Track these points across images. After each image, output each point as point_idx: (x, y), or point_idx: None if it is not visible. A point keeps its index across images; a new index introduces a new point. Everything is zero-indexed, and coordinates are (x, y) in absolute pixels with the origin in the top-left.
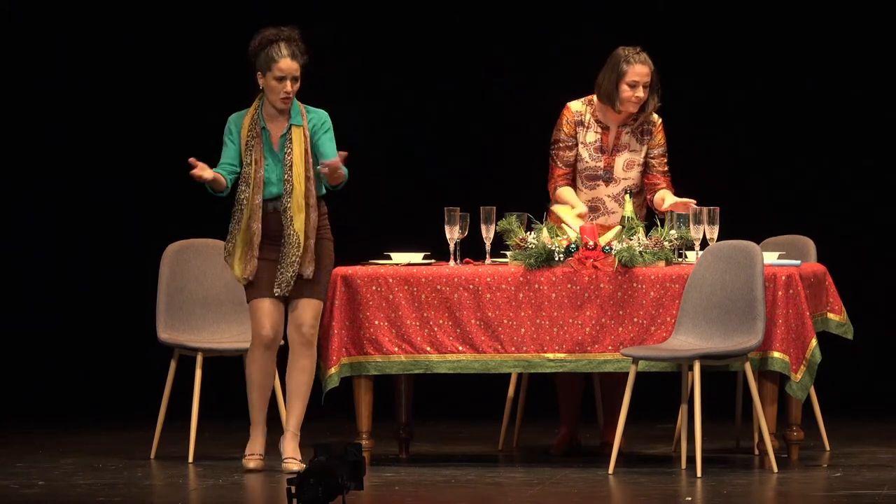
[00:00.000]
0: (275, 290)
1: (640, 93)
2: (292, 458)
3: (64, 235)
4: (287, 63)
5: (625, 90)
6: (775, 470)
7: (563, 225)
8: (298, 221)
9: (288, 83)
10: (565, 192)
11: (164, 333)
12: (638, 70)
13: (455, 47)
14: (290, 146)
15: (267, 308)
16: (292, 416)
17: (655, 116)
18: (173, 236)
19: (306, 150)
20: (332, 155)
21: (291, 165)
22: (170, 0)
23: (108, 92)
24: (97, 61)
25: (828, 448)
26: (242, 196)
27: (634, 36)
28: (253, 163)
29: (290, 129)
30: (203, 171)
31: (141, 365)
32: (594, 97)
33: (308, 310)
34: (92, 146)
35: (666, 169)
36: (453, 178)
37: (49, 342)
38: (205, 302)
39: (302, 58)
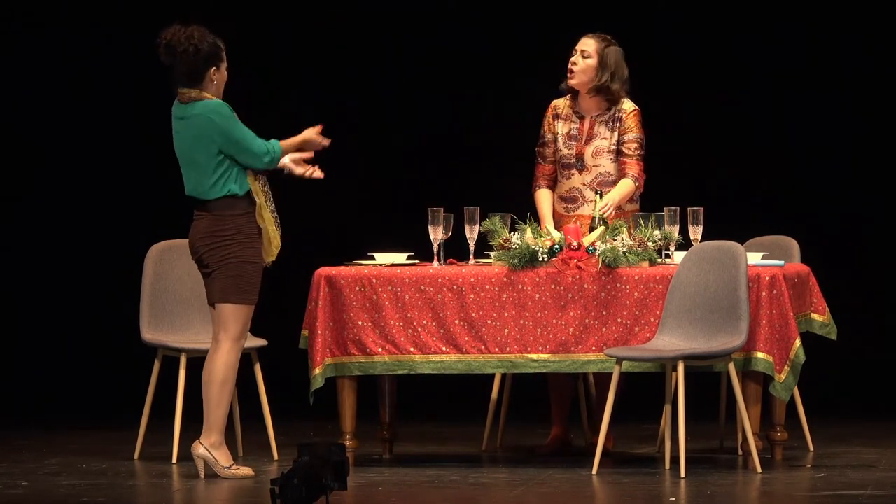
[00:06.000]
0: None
1: (576, 59)
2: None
3: (47, 236)
4: None
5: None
6: (759, 470)
7: (547, 225)
8: None
9: None
10: (540, 196)
11: (148, 334)
12: (581, 42)
13: (440, 46)
14: None
15: None
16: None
17: (629, 105)
18: (157, 237)
19: None
20: None
21: None
22: (161, 2)
23: (94, 92)
24: (87, 61)
25: (811, 448)
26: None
27: (621, 35)
28: None
29: None
30: None
31: (124, 365)
32: None
33: None
34: (76, 147)
35: (637, 153)
36: (437, 178)
37: (32, 342)
38: (188, 303)
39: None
